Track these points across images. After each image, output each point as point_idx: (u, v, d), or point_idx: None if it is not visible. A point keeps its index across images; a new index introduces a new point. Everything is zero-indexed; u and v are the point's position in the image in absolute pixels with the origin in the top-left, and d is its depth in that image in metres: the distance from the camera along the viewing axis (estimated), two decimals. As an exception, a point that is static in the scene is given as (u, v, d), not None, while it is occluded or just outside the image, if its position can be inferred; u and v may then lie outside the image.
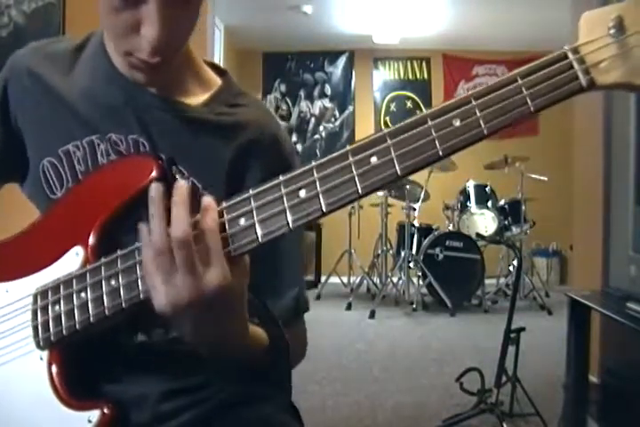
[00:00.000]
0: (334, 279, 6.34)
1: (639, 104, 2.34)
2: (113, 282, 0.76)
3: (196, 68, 0.98)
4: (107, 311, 0.76)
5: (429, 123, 0.65)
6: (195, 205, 0.70)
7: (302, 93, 7.76)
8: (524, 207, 5.71)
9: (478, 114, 0.64)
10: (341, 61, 7.73)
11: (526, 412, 2.62)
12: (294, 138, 7.64)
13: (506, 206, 5.79)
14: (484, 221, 5.69)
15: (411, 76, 7.74)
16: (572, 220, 3.68)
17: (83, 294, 0.78)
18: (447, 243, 5.48)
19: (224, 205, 0.71)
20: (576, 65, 0.62)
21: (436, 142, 0.64)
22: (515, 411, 2.62)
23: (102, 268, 0.78)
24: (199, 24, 0.90)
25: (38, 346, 0.81)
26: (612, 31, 0.61)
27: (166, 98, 0.92)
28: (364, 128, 7.47)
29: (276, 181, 0.69)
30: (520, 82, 0.63)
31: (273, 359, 0.87)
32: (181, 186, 0.70)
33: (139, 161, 0.86)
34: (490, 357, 2.98)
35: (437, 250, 5.47)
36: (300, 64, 7.73)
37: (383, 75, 7.78)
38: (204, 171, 0.90)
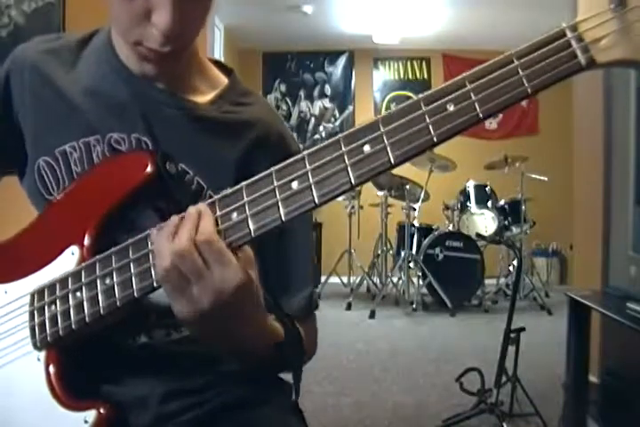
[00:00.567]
0: (334, 279, 6.33)
1: (639, 104, 2.34)
2: (107, 280, 0.76)
3: (203, 67, 0.97)
4: (102, 311, 0.76)
5: (423, 108, 0.63)
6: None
7: (302, 93, 7.75)
8: (523, 207, 5.70)
9: (473, 98, 0.61)
10: (341, 61, 7.73)
11: (526, 412, 2.62)
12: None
13: (506, 206, 5.78)
14: (483, 221, 5.68)
15: (411, 76, 7.74)
16: (572, 220, 3.67)
17: (78, 294, 0.78)
18: (447, 243, 5.48)
19: (216, 197, 0.70)
20: (574, 43, 0.59)
21: (430, 128, 0.62)
22: (515, 411, 2.61)
23: (97, 266, 0.77)
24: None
25: (35, 347, 0.81)
26: (611, 5, 0.58)
27: (174, 94, 0.91)
28: (364, 128, 7.46)
29: (267, 172, 0.68)
30: (516, 62, 0.61)
31: (288, 352, 0.86)
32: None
33: (132, 158, 0.85)
34: (490, 357, 2.98)
35: (437, 250, 5.46)
36: (300, 64, 7.72)
37: (383, 75, 7.78)
38: (210, 169, 0.89)
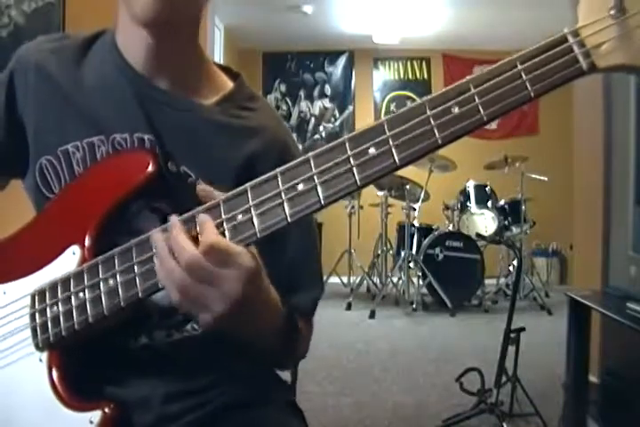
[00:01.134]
0: (334, 279, 6.33)
1: (639, 104, 2.34)
2: (111, 281, 0.76)
3: (209, 71, 0.97)
4: (105, 311, 0.76)
5: (428, 111, 0.64)
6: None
7: (302, 93, 7.75)
8: (523, 207, 5.70)
9: (477, 101, 0.63)
10: (341, 61, 7.73)
11: (526, 412, 2.62)
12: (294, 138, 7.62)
13: (506, 206, 5.78)
14: (483, 221, 5.68)
15: (411, 76, 7.74)
16: (572, 220, 3.67)
17: (81, 295, 0.78)
18: (447, 243, 5.48)
19: (220, 198, 0.71)
20: (576, 48, 0.61)
21: (435, 131, 0.63)
22: (515, 411, 2.62)
23: (100, 267, 0.77)
24: (198, 23, 0.89)
25: (37, 348, 0.81)
26: (612, 12, 0.59)
27: (178, 95, 0.91)
28: (364, 128, 7.46)
29: (272, 173, 0.69)
30: (520, 67, 0.62)
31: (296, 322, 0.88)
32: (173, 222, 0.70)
33: (134, 157, 0.85)
34: (490, 357, 2.98)
35: (437, 250, 5.46)
36: (300, 64, 7.72)
37: (383, 75, 7.78)
38: (212, 172, 0.89)
